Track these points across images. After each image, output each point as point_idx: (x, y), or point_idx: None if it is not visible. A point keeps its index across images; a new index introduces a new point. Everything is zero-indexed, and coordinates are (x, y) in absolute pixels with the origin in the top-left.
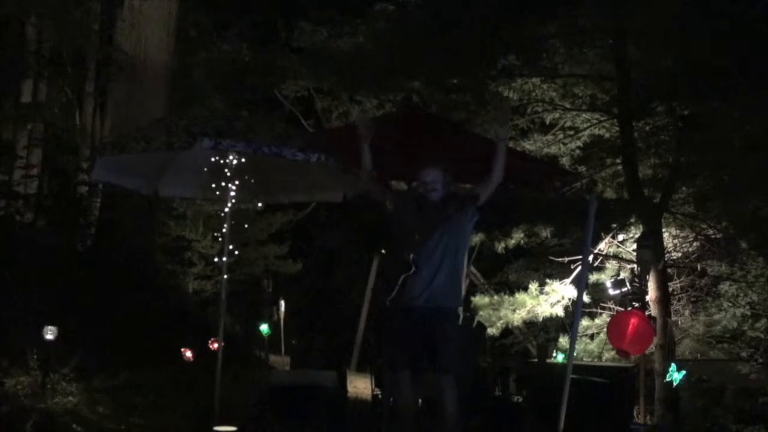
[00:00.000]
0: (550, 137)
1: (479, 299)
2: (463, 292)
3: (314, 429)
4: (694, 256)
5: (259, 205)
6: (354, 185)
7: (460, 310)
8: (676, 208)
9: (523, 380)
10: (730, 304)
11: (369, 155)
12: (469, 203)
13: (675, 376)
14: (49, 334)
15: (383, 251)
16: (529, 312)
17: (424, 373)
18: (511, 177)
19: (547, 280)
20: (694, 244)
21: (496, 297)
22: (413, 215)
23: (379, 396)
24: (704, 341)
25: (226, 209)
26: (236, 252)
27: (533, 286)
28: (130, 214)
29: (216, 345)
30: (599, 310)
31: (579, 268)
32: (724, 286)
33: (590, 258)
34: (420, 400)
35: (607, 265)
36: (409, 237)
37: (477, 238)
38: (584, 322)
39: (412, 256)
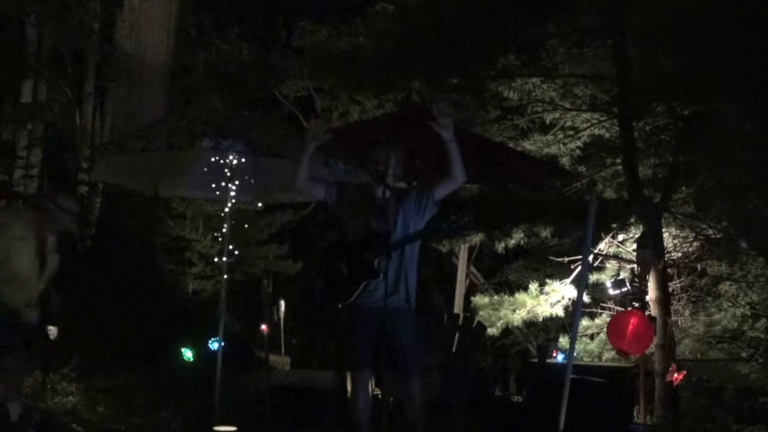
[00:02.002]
0: (550, 137)
1: (479, 299)
2: (461, 294)
3: (314, 429)
4: (694, 256)
5: (259, 205)
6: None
7: (459, 309)
8: (676, 208)
9: (523, 380)
10: (730, 304)
11: (308, 161)
12: (426, 199)
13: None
14: (49, 334)
15: (332, 249)
16: (529, 312)
17: (389, 373)
18: (511, 177)
19: (547, 280)
20: (694, 244)
21: (496, 297)
22: (370, 214)
23: (379, 396)
24: (704, 341)
25: (226, 209)
26: (236, 252)
27: (533, 286)
28: (130, 214)
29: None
30: (599, 310)
31: (579, 268)
32: (724, 286)
33: (590, 258)
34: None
35: (607, 265)
36: (370, 239)
37: (477, 238)
38: (584, 322)
39: (377, 261)
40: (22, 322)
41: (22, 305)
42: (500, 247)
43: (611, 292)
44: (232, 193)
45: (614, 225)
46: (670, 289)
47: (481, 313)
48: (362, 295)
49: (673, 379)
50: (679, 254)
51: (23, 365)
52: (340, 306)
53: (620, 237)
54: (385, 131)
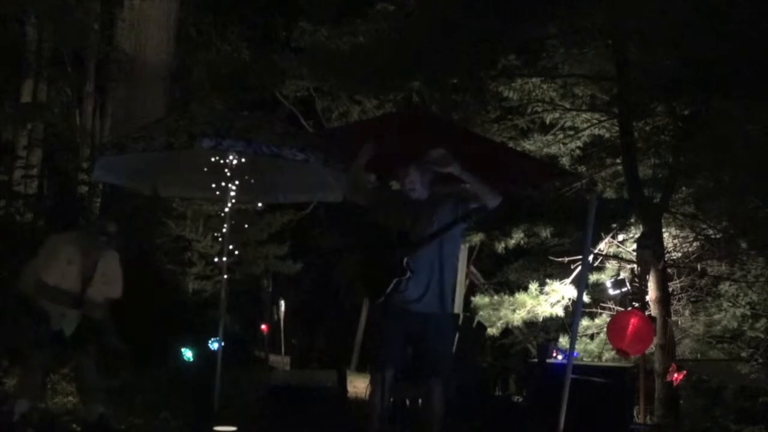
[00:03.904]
0: (550, 137)
1: (479, 299)
2: (461, 294)
3: (314, 429)
4: (694, 256)
5: (259, 205)
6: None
7: (459, 309)
8: (676, 208)
9: (523, 380)
10: (730, 304)
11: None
12: (460, 210)
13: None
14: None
15: (366, 250)
16: (529, 312)
17: (412, 374)
18: (511, 177)
19: (547, 280)
20: (694, 244)
21: (496, 297)
22: (404, 216)
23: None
24: (704, 341)
25: (226, 209)
26: (236, 252)
27: (533, 286)
28: (130, 214)
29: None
30: (599, 310)
31: (579, 268)
32: (724, 286)
33: (590, 258)
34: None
35: (607, 265)
36: (401, 239)
37: (477, 238)
38: (584, 322)
39: (406, 260)
40: (54, 327)
41: (57, 314)
42: (500, 247)
43: (611, 292)
44: (232, 193)
45: (614, 225)
46: (670, 289)
47: (481, 313)
48: (395, 295)
49: (673, 379)
50: (679, 254)
51: (43, 364)
52: (376, 303)
53: (620, 237)
54: (387, 134)
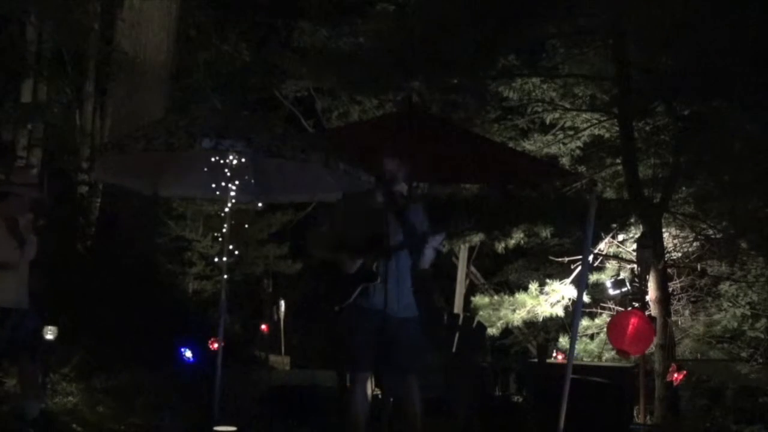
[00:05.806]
0: (550, 137)
1: (479, 299)
2: (461, 294)
3: (314, 429)
4: (694, 256)
5: (259, 205)
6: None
7: (459, 309)
8: (676, 208)
9: (523, 380)
10: (730, 304)
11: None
12: (428, 222)
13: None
14: (49, 334)
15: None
16: (529, 312)
17: (388, 375)
18: (511, 177)
19: (547, 280)
20: (694, 244)
21: (496, 297)
22: (372, 220)
23: (379, 396)
24: (704, 341)
25: (226, 209)
26: (236, 252)
27: (533, 286)
28: (130, 214)
29: (216, 345)
30: (599, 310)
31: (579, 268)
32: (724, 286)
33: (590, 258)
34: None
35: (607, 265)
36: (371, 243)
37: (477, 238)
38: (584, 322)
39: (375, 265)
40: (18, 312)
41: (11, 293)
42: (500, 247)
43: (611, 292)
44: (232, 193)
45: (614, 225)
46: (670, 289)
47: (481, 313)
48: (362, 299)
49: (673, 379)
50: (679, 254)
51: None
52: (337, 308)
53: (620, 237)
54: (387, 134)
